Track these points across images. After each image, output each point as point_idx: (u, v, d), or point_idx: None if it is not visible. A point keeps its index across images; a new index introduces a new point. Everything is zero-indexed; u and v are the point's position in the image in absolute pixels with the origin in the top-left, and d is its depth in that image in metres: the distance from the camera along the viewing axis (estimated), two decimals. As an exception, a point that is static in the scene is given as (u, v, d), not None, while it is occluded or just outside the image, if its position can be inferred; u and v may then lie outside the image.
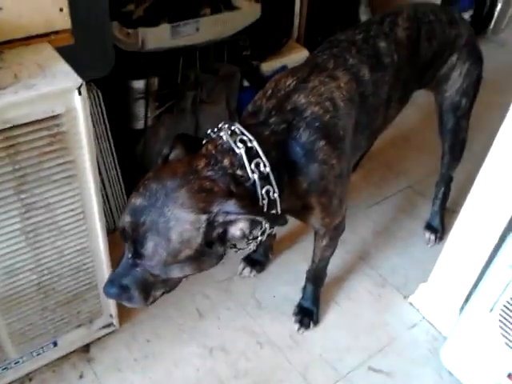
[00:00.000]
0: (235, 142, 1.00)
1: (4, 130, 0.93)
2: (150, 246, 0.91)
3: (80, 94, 0.98)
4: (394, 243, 1.81)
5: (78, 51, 1.09)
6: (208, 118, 1.80)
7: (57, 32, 1.07)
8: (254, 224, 0.96)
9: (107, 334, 1.42)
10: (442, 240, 1.81)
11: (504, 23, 3.30)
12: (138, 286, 0.97)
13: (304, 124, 1.09)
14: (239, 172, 0.99)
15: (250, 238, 1.06)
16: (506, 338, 1.21)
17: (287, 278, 1.66)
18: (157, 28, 1.51)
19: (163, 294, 1.03)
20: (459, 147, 1.68)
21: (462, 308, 1.45)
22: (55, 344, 1.33)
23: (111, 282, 0.98)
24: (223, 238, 0.96)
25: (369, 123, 1.27)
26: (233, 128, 1.03)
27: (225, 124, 1.05)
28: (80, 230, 1.17)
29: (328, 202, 1.19)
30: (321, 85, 1.15)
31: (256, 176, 1.00)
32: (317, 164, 1.11)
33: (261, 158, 1.00)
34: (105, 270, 1.28)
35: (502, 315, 1.20)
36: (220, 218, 0.92)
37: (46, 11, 1.03)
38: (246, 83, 1.88)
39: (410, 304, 1.60)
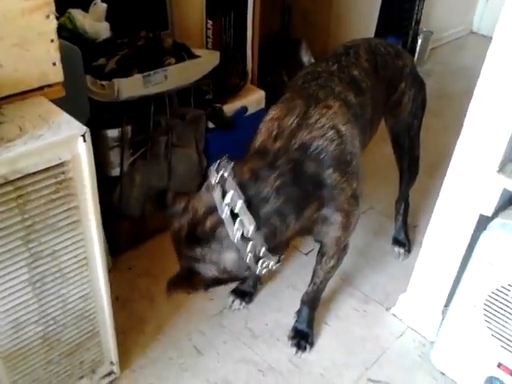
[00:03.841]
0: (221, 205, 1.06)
1: (15, 180, 0.95)
2: None
3: (85, 140, 1.02)
4: (369, 261, 1.92)
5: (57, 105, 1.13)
6: (180, 161, 1.86)
7: (50, 85, 1.12)
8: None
9: (109, 383, 1.40)
10: (410, 252, 1.94)
11: (426, 56, 3.66)
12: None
13: (309, 159, 1.16)
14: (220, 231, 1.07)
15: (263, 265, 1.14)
16: (492, 329, 1.32)
17: (275, 305, 1.71)
18: (130, 78, 1.57)
19: None
20: (415, 164, 1.83)
21: (443, 312, 1.56)
22: (59, 399, 1.30)
23: None
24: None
25: (361, 141, 1.37)
26: (226, 184, 1.07)
27: (220, 170, 1.09)
28: (83, 275, 1.18)
29: (345, 219, 1.25)
30: (321, 117, 1.21)
31: (239, 234, 1.05)
32: (326, 190, 1.18)
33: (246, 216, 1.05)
34: (106, 315, 1.28)
35: (485, 309, 1.31)
36: None
37: (41, 66, 1.07)
38: (210, 125, 1.97)
39: (394, 315, 1.70)
